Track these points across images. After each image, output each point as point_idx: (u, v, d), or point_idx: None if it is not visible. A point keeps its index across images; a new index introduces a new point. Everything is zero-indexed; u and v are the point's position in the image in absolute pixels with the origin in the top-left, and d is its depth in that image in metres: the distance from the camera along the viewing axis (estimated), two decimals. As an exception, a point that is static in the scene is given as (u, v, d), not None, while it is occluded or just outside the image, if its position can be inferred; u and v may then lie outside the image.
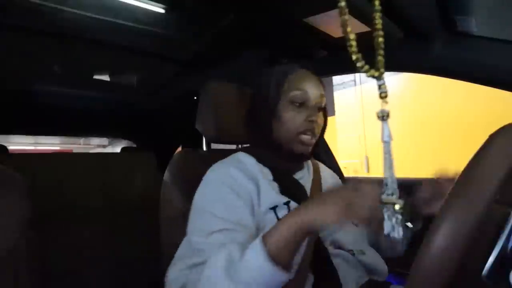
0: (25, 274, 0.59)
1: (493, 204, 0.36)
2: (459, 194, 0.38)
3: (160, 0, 0.86)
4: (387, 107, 0.29)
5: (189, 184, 0.81)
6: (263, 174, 0.70)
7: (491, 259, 0.38)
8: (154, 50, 1.18)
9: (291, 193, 0.70)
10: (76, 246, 1.21)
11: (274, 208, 0.66)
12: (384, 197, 0.33)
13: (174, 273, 0.62)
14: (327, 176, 0.86)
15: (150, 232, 0.92)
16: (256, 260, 0.49)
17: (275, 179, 0.71)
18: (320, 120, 0.73)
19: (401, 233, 0.34)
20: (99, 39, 1.05)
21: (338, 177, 0.92)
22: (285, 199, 0.68)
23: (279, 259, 0.49)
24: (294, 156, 0.73)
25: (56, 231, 1.16)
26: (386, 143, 0.30)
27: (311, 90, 0.71)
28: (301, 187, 0.74)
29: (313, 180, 0.79)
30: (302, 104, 0.71)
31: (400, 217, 0.34)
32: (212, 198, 0.65)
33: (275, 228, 0.52)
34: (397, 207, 0.32)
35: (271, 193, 0.68)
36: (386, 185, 0.32)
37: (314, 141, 0.72)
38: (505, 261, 0.38)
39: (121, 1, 0.84)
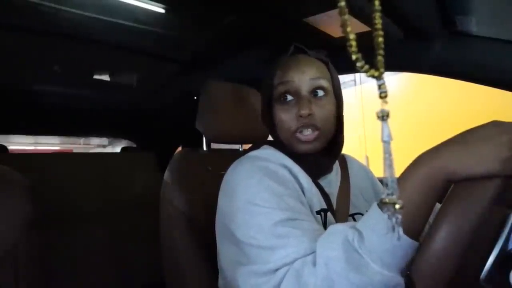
0: (24, 274, 0.59)
1: (492, 205, 0.36)
2: (458, 195, 0.38)
3: (160, 0, 0.86)
4: (387, 107, 0.29)
5: (189, 184, 0.81)
6: (302, 174, 0.62)
7: (490, 260, 0.37)
8: (154, 50, 1.18)
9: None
10: (76, 246, 1.21)
11: (324, 212, 0.59)
12: (384, 197, 0.33)
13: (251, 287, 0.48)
14: (357, 170, 0.76)
15: (150, 232, 0.92)
16: (386, 236, 0.38)
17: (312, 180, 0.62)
18: (321, 109, 0.61)
19: (401, 233, 0.34)
20: (99, 39, 1.05)
21: (370, 170, 0.81)
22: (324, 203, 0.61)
23: (409, 228, 0.37)
24: (302, 158, 0.63)
25: (56, 231, 1.16)
26: (386, 143, 0.30)
27: (297, 76, 0.61)
28: (328, 198, 0.65)
29: (341, 182, 0.69)
30: (290, 97, 0.62)
31: (400, 217, 0.34)
32: (257, 190, 0.53)
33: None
34: (397, 206, 0.32)
35: (317, 194, 0.61)
36: (386, 185, 0.32)
37: (313, 136, 0.60)
38: (504, 262, 0.38)
39: (121, 1, 0.84)
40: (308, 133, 0.61)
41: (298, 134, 0.61)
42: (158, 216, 0.85)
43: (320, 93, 0.62)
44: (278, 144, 0.66)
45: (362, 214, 0.66)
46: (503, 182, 0.36)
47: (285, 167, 0.61)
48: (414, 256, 0.38)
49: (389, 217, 0.34)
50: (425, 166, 0.39)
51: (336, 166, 0.72)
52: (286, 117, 0.62)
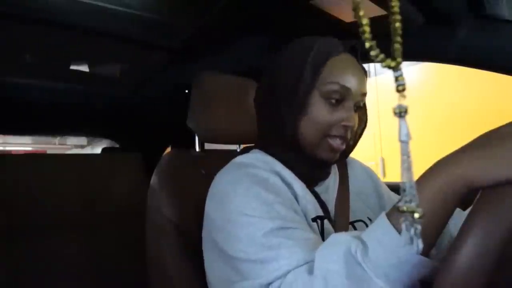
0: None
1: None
2: (486, 203, 0.38)
3: (147, -20, 0.86)
4: (405, 102, 0.29)
5: (180, 190, 0.81)
6: (295, 180, 0.64)
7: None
8: (140, 37, 1.18)
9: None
10: (51, 258, 1.21)
11: (320, 219, 0.62)
12: (401, 204, 0.33)
13: None
14: (359, 173, 0.80)
15: (135, 243, 0.92)
16: (392, 249, 0.38)
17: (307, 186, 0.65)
18: (356, 123, 0.67)
19: (420, 246, 0.34)
20: (77, 24, 1.04)
21: (373, 173, 0.84)
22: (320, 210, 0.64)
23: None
24: (316, 163, 0.67)
25: (27, 242, 1.16)
26: (404, 143, 0.30)
27: (355, 84, 0.63)
28: (324, 205, 0.67)
29: (339, 188, 0.72)
30: (339, 101, 0.63)
31: (419, 227, 0.34)
32: (245, 199, 0.56)
33: None
34: (416, 215, 0.32)
35: (312, 201, 0.64)
36: (404, 190, 0.32)
37: (344, 147, 0.65)
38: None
39: (102, -19, 0.84)
40: (339, 143, 0.64)
41: (330, 141, 0.64)
42: (144, 225, 0.85)
43: (361, 106, 0.67)
44: (270, 148, 0.69)
45: (363, 221, 0.69)
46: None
47: (277, 173, 0.63)
48: (434, 273, 0.38)
49: (407, 228, 0.34)
50: (442, 173, 0.39)
51: (334, 168, 0.75)
52: (327, 117, 0.63)
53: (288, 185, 0.62)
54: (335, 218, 0.66)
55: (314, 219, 0.61)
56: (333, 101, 0.63)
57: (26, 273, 1.10)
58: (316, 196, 0.67)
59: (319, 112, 0.63)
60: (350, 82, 0.63)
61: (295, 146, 0.66)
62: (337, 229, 0.64)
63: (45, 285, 1.18)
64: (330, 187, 0.71)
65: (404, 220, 0.34)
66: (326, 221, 0.63)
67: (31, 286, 1.13)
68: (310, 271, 0.44)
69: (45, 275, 1.18)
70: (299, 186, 0.64)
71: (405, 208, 0.32)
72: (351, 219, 0.68)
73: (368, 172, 0.83)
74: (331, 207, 0.68)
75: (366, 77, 0.68)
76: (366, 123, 0.73)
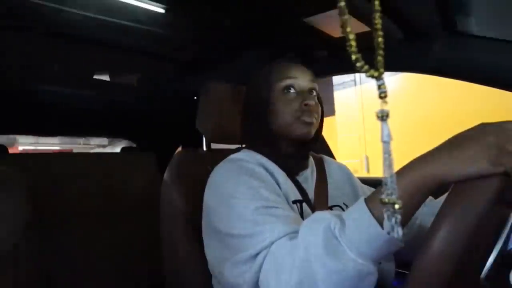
0: (24, 274, 0.59)
1: (493, 205, 0.36)
2: (457, 195, 0.38)
3: (160, 0, 0.86)
4: (386, 107, 0.29)
5: (189, 184, 0.81)
6: (277, 170, 0.68)
7: (490, 260, 0.37)
8: (154, 50, 1.18)
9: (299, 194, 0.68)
10: (76, 246, 1.21)
11: (300, 202, 0.64)
12: (383, 196, 0.33)
13: (236, 277, 0.52)
14: (335, 168, 0.82)
15: (150, 232, 0.92)
16: (365, 228, 0.40)
17: (288, 175, 0.69)
18: (316, 104, 0.71)
19: (400, 233, 0.34)
20: (99, 39, 1.05)
21: (347, 168, 0.86)
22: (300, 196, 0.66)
23: None
24: (296, 141, 0.71)
25: (56, 232, 1.16)
26: (386, 143, 0.30)
27: (301, 75, 0.71)
28: (304, 192, 0.70)
29: (317, 178, 0.76)
30: (294, 90, 0.70)
31: (399, 217, 0.34)
32: (236, 186, 0.59)
33: None
34: (396, 206, 0.32)
35: (292, 187, 0.66)
36: (386, 184, 0.32)
37: (314, 121, 0.69)
38: (504, 262, 0.38)
39: (121, 1, 0.84)
40: (308, 115, 0.68)
41: (302, 117, 0.68)
42: (157, 215, 0.85)
43: (314, 93, 0.73)
44: (257, 147, 0.73)
45: (339, 206, 0.72)
46: (502, 182, 0.36)
47: (262, 165, 0.67)
48: (414, 255, 0.38)
49: (389, 217, 0.34)
50: (416, 170, 0.41)
51: (312, 164, 0.79)
52: (289, 107, 0.69)
53: (271, 174, 0.66)
54: (315, 202, 0.70)
55: (294, 202, 0.64)
56: (290, 91, 0.70)
57: (56, 260, 1.10)
58: (297, 184, 0.70)
59: (282, 102, 0.70)
60: (296, 74, 0.71)
61: (270, 139, 0.71)
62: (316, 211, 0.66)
63: (72, 265, 1.18)
64: (308, 177, 0.74)
65: (386, 210, 0.34)
66: (305, 205, 0.65)
67: (61, 266, 1.13)
68: (292, 240, 0.47)
69: (71, 259, 1.19)
70: (280, 174, 0.67)
71: (386, 200, 0.32)
72: (329, 204, 0.71)
73: (342, 168, 0.85)
74: (311, 194, 0.71)
75: (311, 73, 0.73)
76: (322, 110, 0.75)
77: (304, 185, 0.71)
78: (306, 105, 0.68)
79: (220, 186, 0.62)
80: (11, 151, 1.35)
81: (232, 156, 0.72)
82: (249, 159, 0.68)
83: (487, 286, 0.37)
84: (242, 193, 0.57)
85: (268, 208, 0.54)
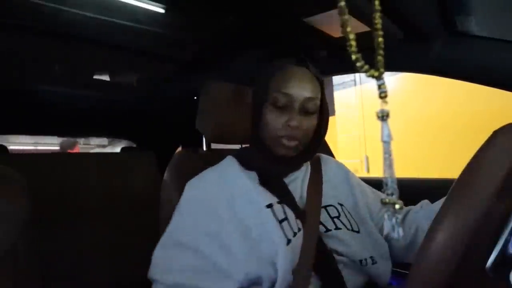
0: (24, 274, 0.59)
1: (495, 202, 0.36)
2: (460, 192, 0.38)
3: (160, 0, 0.86)
4: (386, 107, 0.29)
5: (189, 184, 0.81)
6: (250, 178, 0.70)
7: (490, 260, 0.37)
8: (154, 50, 1.18)
9: (280, 195, 0.69)
10: (76, 246, 1.21)
11: (270, 206, 0.65)
12: (383, 197, 0.33)
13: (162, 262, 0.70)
14: (333, 167, 0.82)
15: (150, 232, 0.92)
16: None
17: (261, 183, 0.69)
18: (306, 124, 0.69)
19: (401, 233, 0.34)
20: (99, 39, 1.05)
21: (345, 167, 0.85)
22: (276, 199, 0.67)
23: None
24: (277, 159, 0.70)
25: (55, 231, 1.16)
26: (386, 143, 0.30)
27: (297, 92, 0.67)
28: (287, 192, 0.71)
29: (311, 177, 0.75)
30: (284, 107, 0.67)
31: (400, 217, 0.34)
32: (190, 229, 0.67)
33: None
34: (397, 206, 0.32)
35: (264, 193, 0.67)
36: (386, 184, 0.32)
37: (295, 144, 0.68)
38: (505, 262, 0.38)
39: (121, 1, 0.84)
40: (287, 140, 0.68)
41: (283, 140, 0.68)
42: (157, 216, 0.85)
43: (310, 111, 0.69)
44: (251, 147, 0.75)
45: (333, 206, 0.72)
46: (505, 179, 0.36)
47: (232, 185, 0.69)
48: (411, 256, 0.39)
49: (389, 217, 0.34)
50: None
51: (307, 164, 0.78)
52: (275, 121, 0.68)
53: (234, 186, 0.69)
54: (307, 203, 0.69)
55: (268, 206, 0.65)
56: (279, 106, 0.67)
57: (55, 259, 1.10)
58: (278, 185, 0.70)
59: (269, 115, 0.69)
60: (292, 90, 0.67)
61: (258, 146, 0.72)
62: (309, 211, 0.67)
63: (71, 264, 1.18)
64: (298, 178, 0.74)
65: (386, 210, 0.34)
66: (279, 205, 0.66)
67: (60, 265, 1.13)
68: None
69: (71, 258, 1.19)
70: (248, 182, 0.68)
71: (387, 200, 0.32)
72: (323, 204, 0.70)
73: (340, 166, 0.84)
74: (298, 194, 0.71)
75: (319, 83, 0.70)
76: (324, 124, 0.73)
77: (291, 186, 0.72)
78: (289, 126, 0.66)
79: (181, 214, 0.70)
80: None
81: (206, 172, 0.73)
82: (215, 180, 0.70)
83: (487, 285, 0.37)
84: (193, 239, 0.65)
85: (200, 273, 0.61)
